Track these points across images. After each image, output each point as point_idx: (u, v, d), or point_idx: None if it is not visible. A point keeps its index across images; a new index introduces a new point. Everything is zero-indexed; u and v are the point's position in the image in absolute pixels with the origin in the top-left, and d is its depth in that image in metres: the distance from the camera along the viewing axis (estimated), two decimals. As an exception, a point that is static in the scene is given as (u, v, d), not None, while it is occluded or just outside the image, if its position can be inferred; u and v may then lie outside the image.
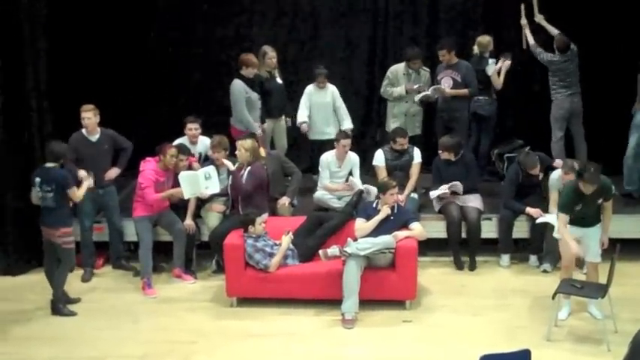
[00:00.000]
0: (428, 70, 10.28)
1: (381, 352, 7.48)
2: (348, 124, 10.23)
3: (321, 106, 10.22)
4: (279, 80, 10.32)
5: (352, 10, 11.42)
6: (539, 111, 10.59)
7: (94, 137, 9.02)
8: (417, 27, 11.38)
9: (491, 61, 10.26)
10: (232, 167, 8.98)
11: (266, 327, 7.97)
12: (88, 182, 8.40)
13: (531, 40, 9.94)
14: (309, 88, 10.24)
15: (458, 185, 9.25)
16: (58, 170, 8.14)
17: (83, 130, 8.99)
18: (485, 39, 10.33)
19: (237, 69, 9.91)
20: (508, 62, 10.21)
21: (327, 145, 10.01)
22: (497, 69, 10.17)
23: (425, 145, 10.57)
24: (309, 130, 10.31)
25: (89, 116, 8.92)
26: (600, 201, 7.68)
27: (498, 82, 10.22)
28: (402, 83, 10.19)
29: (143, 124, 11.04)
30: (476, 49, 10.34)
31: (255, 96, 9.85)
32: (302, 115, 10.23)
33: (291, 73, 11.07)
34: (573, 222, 7.76)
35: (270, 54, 10.16)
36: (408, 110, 10.22)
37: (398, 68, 10.29)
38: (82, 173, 8.47)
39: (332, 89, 10.26)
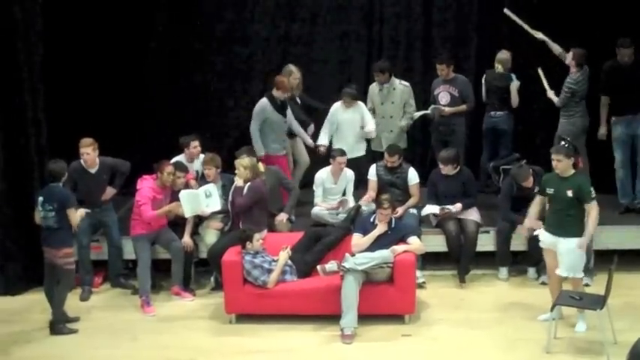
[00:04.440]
0: (406, 83, 10.24)
1: (380, 367, 7.50)
2: (372, 126, 10.07)
3: (349, 124, 10.08)
4: (298, 100, 10.32)
5: (346, 26, 11.46)
6: (538, 125, 10.72)
7: (93, 170, 9.05)
8: (410, 42, 11.44)
9: (514, 76, 10.24)
10: (242, 183, 8.87)
11: (265, 343, 7.95)
12: (82, 213, 8.40)
13: (555, 98, 9.70)
14: (336, 106, 10.15)
15: (451, 210, 9.25)
16: (61, 189, 8.16)
17: (82, 161, 9.00)
18: (504, 55, 10.24)
19: (269, 88, 9.98)
20: (517, 82, 10.22)
21: (356, 163, 9.95)
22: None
23: (421, 160, 10.60)
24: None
25: (88, 152, 8.92)
26: (570, 193, 7.66)
27: (516, 100, 10.23)
28: (376, 100, 10.18)
29: (141, 142, 11.08)
30: (500, 67, 10.21)
31: (277, 117, 9.82)
32: (322, 138, 10.13)
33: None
34: (547, 226, 7.88)
35: (296, 74, 10.22)
36: (386, 127, 10.16)
37: (373, 86, 10.29)
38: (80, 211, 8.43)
39: (361, 106, 10.13)
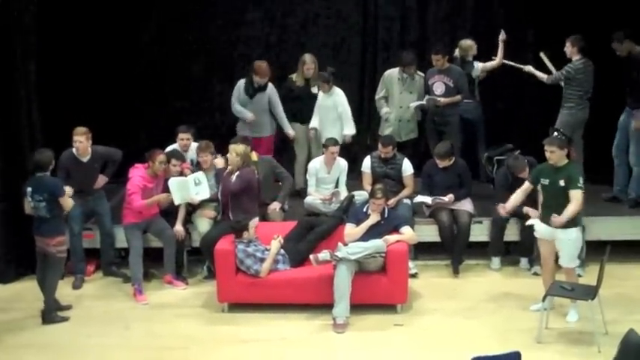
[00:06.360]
0: (422, 75, 10.27)
1: (372, 356, 7.50)
2: (347, 130, 10.06)
3: (325, 110, 10.08)
4: (313, 90, 10.27)
5: (342, 16, 11.45)
6: (531, 115, 10.71)
7: (85, 159, 9.03)
8: (406, 32, 11.43)
9: (475, 64, 10.33)
10: (221, 165, 8.91)
11: (257, 332, 7.97)
12: (70, 192, 8.40)
13: (543, 75, 9.75)
14: (320, 93, 10.16)
15: (444, 200, 9.26)
16: (49, 178, 8.14)
17: (74, 150, 8.98)
18: (466, 42, 10.38)
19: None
20: (478, 67, 10.31)
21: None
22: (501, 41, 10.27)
23: (414, 150, 10.59)
24: (317, 134, 10.24)
25: (81, 140, 8.90)
26: (562, 183, 7.70)
27: (499, 59, 10.28)
28: (396, 88, 10.17)
29: (135, 131, 11.08)
30: (457, 52, 10.39)
31: (243, 99, 10.04)
32: (312, 121, 10.16)
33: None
34: (543, 217, 7.90)
35: (309, 64, 10.20)
36: (402, 116, 10.22)
37: (392, 73, 10.27)
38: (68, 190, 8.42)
39: (336, 93, 10.08)
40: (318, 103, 10.13)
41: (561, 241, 7.81)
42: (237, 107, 10.15)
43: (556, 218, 7.69)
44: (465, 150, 10.29)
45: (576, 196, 7.69)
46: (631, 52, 9.50)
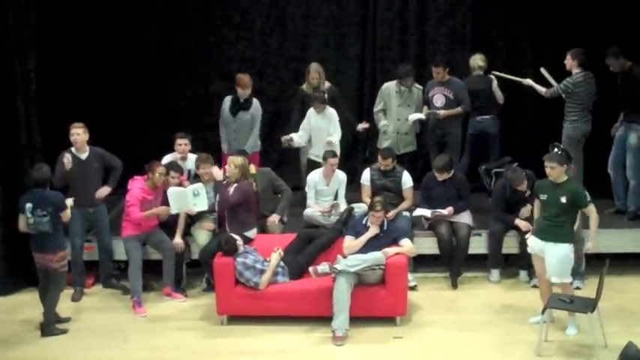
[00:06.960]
0: (420, 87, 10.27)
1: (371, 369, 7.51)
2: (332, 137, 9.82)
3: (318, 130, 9.98)
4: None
5: (342, 27, 11.49)
6: (530, 128, 10.73)
7: (83, 155, 9.01)
8: (405, 44, 11.46)
9: (491, 77, 10.34)
10: (220, 177, 8.92)
11: (257, 345, 7.95)
12: (69, 202, 8.33)
13: (542, 89, 9.73)
14: (310, 111, 10.04)
15: (443, 213, 9.27)
16: (51, 192, 8.12)
17: (72, 149, 8.97)
18: (481, 57, 10.36)
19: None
20: (495, 85, 10.34)
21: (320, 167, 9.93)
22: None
23: (414, 163, 10.60)
24: (304, 148, 10.27)
25: (79, 132, 8.88)
26: (564, 200, 7.69)
27: (500, 100, 10.36)
28: (393, 101, 10.18)
29: (133, 143, 11.08)
30: (481, 63, 10.34)
31: (226, 115, 10.09)
32: (300, 136, 10.03)
33: (280, 93, 11.15)
34: (536, 232, 7.92)
35: (313, 74, 10.20)
36: (400, 129, 10.22)
37: (389, 86, 10.28)
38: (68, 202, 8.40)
39: (330, 113, 9.98)
40: (309, 121, 9.96)
41: (549, 254, 7.78)
42: (220, 128, 10.23)
43: (589, 244, 7.87)
44: (477, 164, 10.24)
45: (593, 211, 7.79)
46: (623, 67, 9.54)
